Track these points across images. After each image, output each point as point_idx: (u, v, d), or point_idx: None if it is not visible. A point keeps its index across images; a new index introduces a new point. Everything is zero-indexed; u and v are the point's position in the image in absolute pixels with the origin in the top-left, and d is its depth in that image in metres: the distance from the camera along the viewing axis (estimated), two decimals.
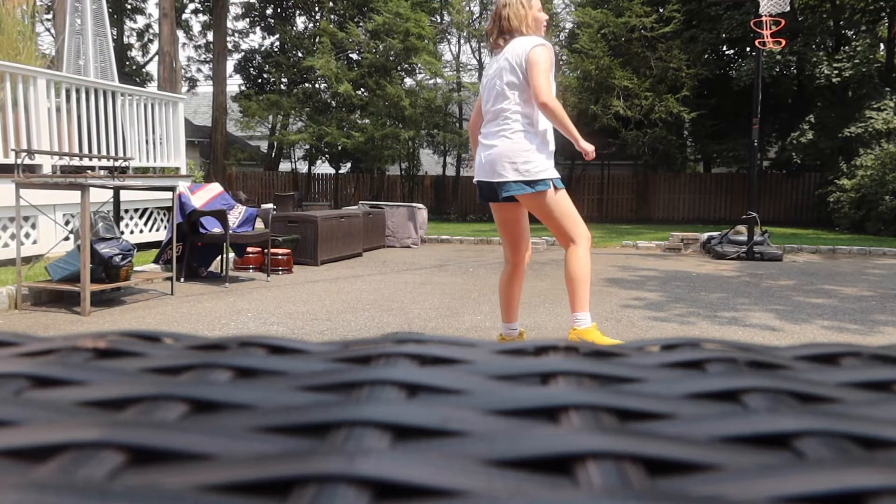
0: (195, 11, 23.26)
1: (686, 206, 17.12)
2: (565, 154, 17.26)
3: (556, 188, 2.91)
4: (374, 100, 15.43)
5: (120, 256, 4.23)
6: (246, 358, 0.24)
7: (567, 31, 17.72)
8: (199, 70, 27.62)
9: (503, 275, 3.20)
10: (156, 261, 5.55)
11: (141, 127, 7.28)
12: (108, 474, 0.16)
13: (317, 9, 18.57)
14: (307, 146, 17.83)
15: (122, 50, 22.08)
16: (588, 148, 3.02)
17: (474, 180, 3.10)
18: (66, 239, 5.59)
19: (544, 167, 2.89)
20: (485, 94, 3.02)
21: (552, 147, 3.03)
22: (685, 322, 4.04)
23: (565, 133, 2.95)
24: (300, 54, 17.88)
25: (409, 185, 17.45)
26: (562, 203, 2.95)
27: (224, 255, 5.60)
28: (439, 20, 16.71)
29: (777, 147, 16.44)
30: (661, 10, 14.84)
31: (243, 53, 21.13)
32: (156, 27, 20.21)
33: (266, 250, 5.80)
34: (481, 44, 17.44)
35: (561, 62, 16.62)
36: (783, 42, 7.78)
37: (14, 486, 0.15)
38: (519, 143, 2.87)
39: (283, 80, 18.42)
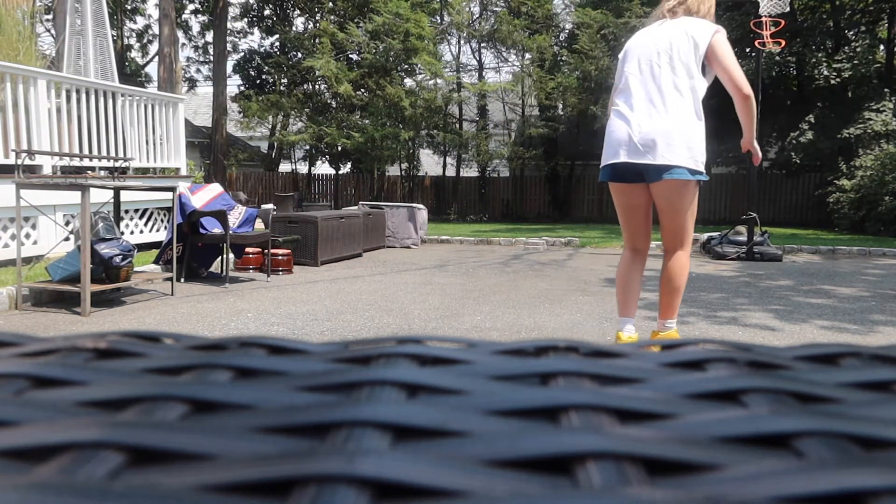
0: (195, 12, 23.26)
1: None
2: (565, 154, 17.30)
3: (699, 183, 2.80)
4: (374, 100, 15.44)
5: (120, 257, 4.23)
6: (246, 358, 0.24)
7: (567, 31, 17.72)
8: (198, 70, 27.61)
9: (624, 261, 3.20)
10: (156, 261, 5.55)
11: (141, 127, 7.28)
12: (108, 474, 0.16)
13: (317, 9, 18.58)
14: (307, 147, 17.85)
15: (122, 51, 22.07)
16: (758, 150, 3.03)
17: (611, 160, 2.83)
18: (67, 239, 5.59)
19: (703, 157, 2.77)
20: (643, 63, 2.81)
21: None
22: (685, 322, 4.04)
23: (748, 127, 2.84)
24: (300, 55, 17.89)
25: (409, 185, 17.45)
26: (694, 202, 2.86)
27: (224, 256, 5.61)
28: (439, 21, 16.72)
29: (777, 147, 16.44)
30: None
31: (242, 54, 21.14)
32: (155, 28, 20.23)
33: (266, 251, 5.80)
34: (481, 44, 17.43)
35: (560, 62, 16.61)
36: (783, 43, 7.79)
37: (14, 486, 0.15)
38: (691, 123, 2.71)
39: (282, 80, 18.43)
